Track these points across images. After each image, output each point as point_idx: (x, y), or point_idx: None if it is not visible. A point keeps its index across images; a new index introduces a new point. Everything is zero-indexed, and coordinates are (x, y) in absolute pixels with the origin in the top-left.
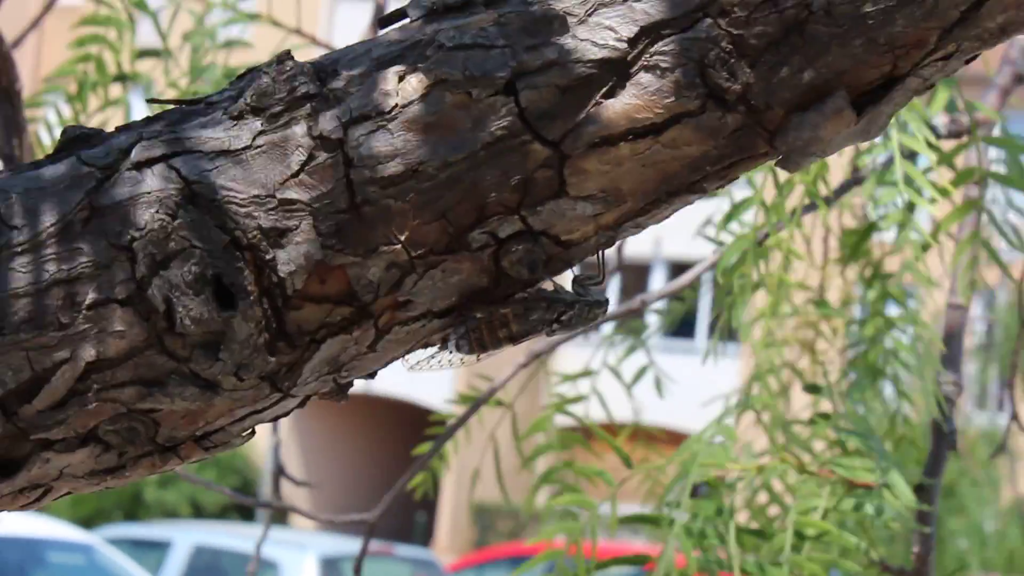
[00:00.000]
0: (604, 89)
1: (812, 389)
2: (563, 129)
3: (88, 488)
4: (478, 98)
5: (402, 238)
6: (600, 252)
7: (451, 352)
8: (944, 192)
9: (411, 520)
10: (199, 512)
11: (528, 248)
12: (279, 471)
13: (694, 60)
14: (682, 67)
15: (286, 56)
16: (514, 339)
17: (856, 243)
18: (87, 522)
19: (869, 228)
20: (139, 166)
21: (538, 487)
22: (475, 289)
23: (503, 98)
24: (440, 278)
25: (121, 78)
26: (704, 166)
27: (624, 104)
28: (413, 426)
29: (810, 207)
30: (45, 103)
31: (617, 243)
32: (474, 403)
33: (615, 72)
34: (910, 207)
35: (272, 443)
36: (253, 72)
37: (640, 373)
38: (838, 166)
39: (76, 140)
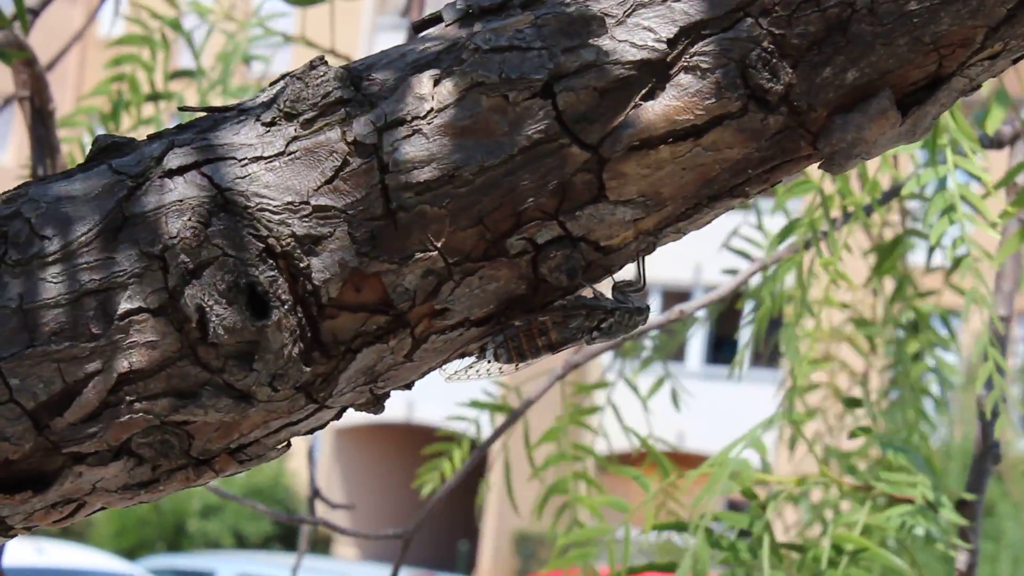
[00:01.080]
0: (643, 91)
1: (852, 403)
2: (601, 132)
3: (122, 503)
4: (515, 101)
5: (438, 245)
6: (641, 258)
7: (489, 361)
8: (1005, 215)
9: (454, 549)
10: (242, 542)
11: (567, 254)
12: (315, 493)
13: (735, 60)
14: (723, 67)
15: (319, 61)
16: (553, 347)
17: (883, 258)
18: (130, 553)
19: (896, 242)
20: (171, 174)
21: (544, 503)
22: (513, 297)
23: (540, 101)
24: (478, 285)
25: (154, 97)
26: (746, 169)
27: (664, 106)
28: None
29: (845, 219)
30: (79, 123)
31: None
32: (510, 416)
33: (654, 73)
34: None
35: (313, 470)
36: (286, 77)
37: (656, 386)
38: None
39: (107, 149)
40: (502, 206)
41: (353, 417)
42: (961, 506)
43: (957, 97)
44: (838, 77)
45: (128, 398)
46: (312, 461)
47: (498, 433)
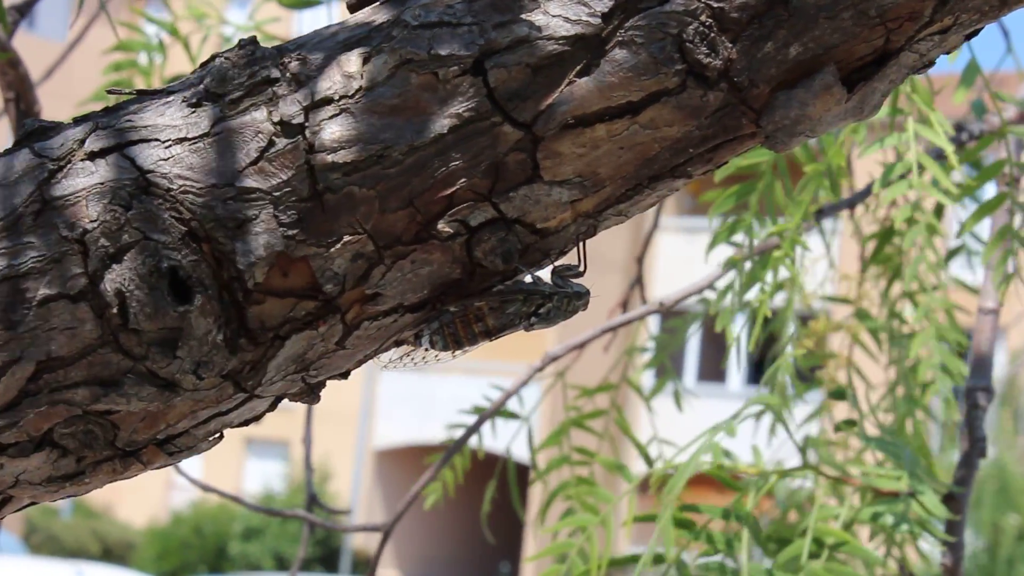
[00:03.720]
0: (578, 68)
1: (837, 395)
2: (535, 110)
3: (49, 497)
4: (445, 79)
5: (368, 227)
6: (581, 242)
7: (426, 349)
8: (968, 189)
9: (495, 570)
10: (282, 565)
11: (501, 237)
12: (312, 500)
13: (672, 35)
14: (659, 42)
15: (248, 41)
16: (490, 333)
17: (877, 248)
18: None
19: (889, 232)
20: (92, 156)
21: (546, 508)
22: (448, 281)
23: (471, 78)
24: (410, 269)
25: None
26: (687, 148)
27: (598, 82)
28: (497, 476)
29: (833, 208)
30: None
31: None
32: (484, 414)
33: (589, 49)
34: (938, 211)
35: (354, 485)
36: (215, 58)
37: (658, 387)
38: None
39: (35, 133)
40: (433, 187)
41: (394, 438)
42: (948, 500)
43: (907, 73)
44: (780, 52)
45: (48, 387)
46: (307, 448)
47: (473, 429)
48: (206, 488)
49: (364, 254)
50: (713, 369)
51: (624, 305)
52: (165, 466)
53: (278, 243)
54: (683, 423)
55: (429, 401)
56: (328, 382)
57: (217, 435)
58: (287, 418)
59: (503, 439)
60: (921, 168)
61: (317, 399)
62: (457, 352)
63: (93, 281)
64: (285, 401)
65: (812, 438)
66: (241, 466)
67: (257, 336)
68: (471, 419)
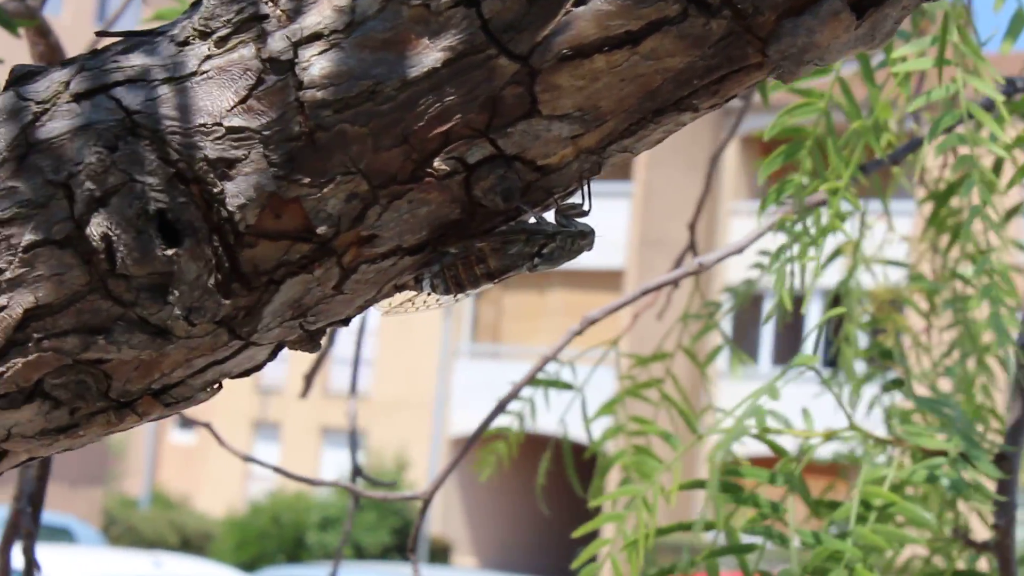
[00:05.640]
0: None
1: (885, 355)
2: (531, 42)
3: (43, 450)
4: (437, 10)
5: (361, 166)
6: (585, 179)
7: (428, 293)
8: (1021, 140)
9: (574, 555)
10: (360, 554)
11: (501, 174)
12: (357, 471)
13: None
14: None
15: None
16: (492, 276)
17: (935, 210)
18: (250, 566)
19: (948, 191)
20: (78, 98)
21: (601, 480)
22: (447, 222)
23: (464, 9)
24: (407, 210)
25: None
26: (691, 79)
27: (596, 11)
28: (575, 462)
29: (878, 163)
30: None
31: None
32: (521, 380)
33: None
34: (996, 166)
35: (430, 473)
36: None
37: (713, 354)
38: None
39: (23, 78)
40: (428, 123)
41: (470, 426)
42: (1000, 460)
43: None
44: None
45: (36, 335)
46: (353, 432)
47: (512, 395)
48: (263, 465)
49: (358, 194)
50: (790, 352)
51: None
52: (162, 417)
53: (269, 183)
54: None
55: (504, 388)
56: (411, 374)
57: (216, 385)
58: (363, 407)
59: (577, 427)
60: (975, 123)
61: (318, 347)
62: (459, 295)
63: (79, 226)
64: (361, 390)
65: (894, 406)
66: (317, 455)
67: (251, 280)
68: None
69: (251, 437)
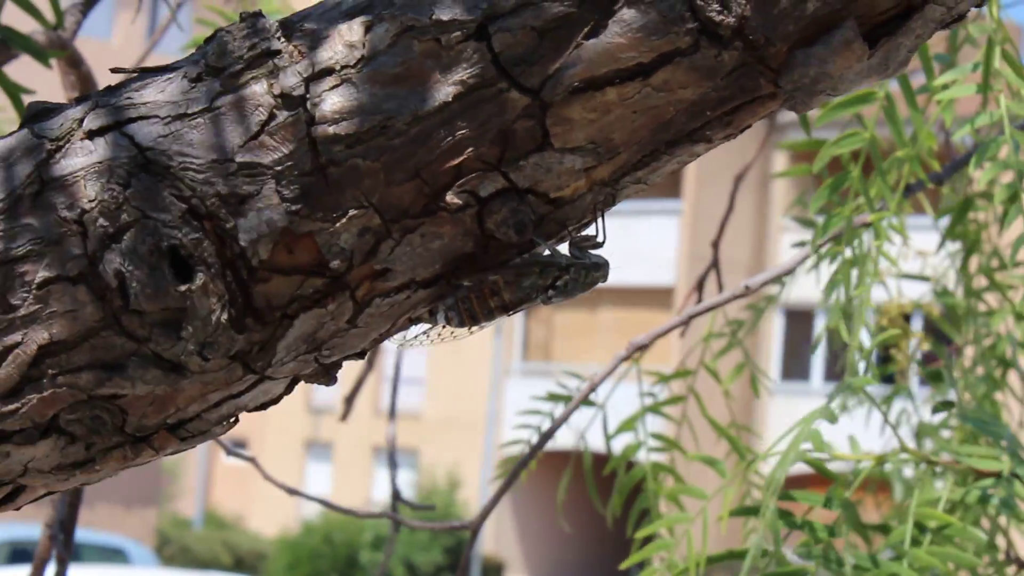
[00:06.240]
0: (585, 29)
1: (933, 377)
2: (542, 75)
3: (60, 484)
4: (448, 45)
5: (373, 200)
6: (599, 211)
7: (443, 326)
8: None
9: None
10: (413, 572)
11: (513, 207)
12: (396, 496)
13: None
14: (668, 0)
15: (251, 14)
16: (507, 308)
17: (954, 221)
18: None
19: (966, 204)
20: (92, 135)
21: (622, 498)
22: (461, 255)
23: (475, 44)
24: (420, 243)
25: None
26: (703, 111)
27: (606, 44)
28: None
29: (917, 186)
30: None
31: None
32: (571, 403)
33: (596, 10)
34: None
35: (482, 492)
36: (218, 32)
37: (736, 371)
38: None
39: (38, 115)
40: (439, 157)
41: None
42: None
43: (935, 28)
44: (797, 8)
45: (50, 371)
46: (394, 466)
47: (562, 420)
48: (290, 491)
49: (371, 228)
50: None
51: (699, 290)
52: (178, 452)
53: (281, 219)
54: (762, 413)
55: (556, 408)
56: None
57: (232, 419)
58: (415, 426)
59: (621, 438)
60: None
61: (334, 380)
62: (474, 328)
63: (92, 262)
64: (413, 409)
65: (924, 424)
66: (369, 475)
67: (264, 315)
68: (542, 405)
69: (303, 457)
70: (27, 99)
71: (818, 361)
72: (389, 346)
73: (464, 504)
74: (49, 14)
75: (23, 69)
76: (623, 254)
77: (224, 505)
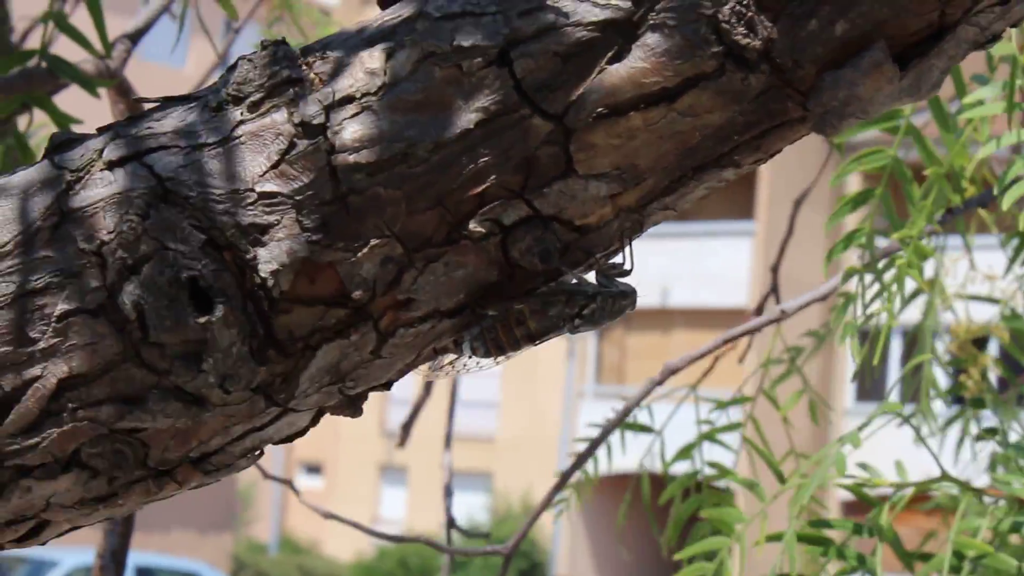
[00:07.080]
0: (608, 54)
1: (976, 404)
2: (565, 100)
3: (84, 520)
4: (469, 71)
5: (395, 229)
6: (626, 238)
7: (469, 356)
8: None
9: None
10: None
11: (538, 235)
12: (451, 523)
13: (706, 16)
14: (692, 24)
15: (272, 42)
16: (533, 338)
17: (1021, 243)
18: None
19: None
20: (111, 166)
21: (678, 528)
22: (485, 284)
23: (496, 69)
24: (443, 273)
25: None
26: (731, 135)
27: (630, 69)
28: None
29: (962, 208)
30: None
31: None
32: (609, 424)
33: (620, 34)
34: None
35: (557, 528)
36: (239, 60)
37: (795, 398)
38: None
39: (60, 146)
40: (462, 185)
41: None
42: None
43: (969, 49)
44: (825, 30)
45: (71, 405)
46: (450, 493)
47: (594, 447)
48: (327, 515)
49: (393, 258)
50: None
51: (759, 314)
52: (201, 485)
53: (302, 249)
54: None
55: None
56: (535, 410)
57: (257, 452)
58: (488, 449)
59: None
60: None
61: (359, 412)
62: (500, 358)
63: (112, 294)
64: (487, 433)
65: (1003, 452)
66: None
67: (286, 347)
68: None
69: (378, 482)
70: (77, 129)
71: (894, 383)
72: None
73: (538, 527)
74: (98, 44)
75: (77, 99)
76: (695, 276)
77: (299, 530)
